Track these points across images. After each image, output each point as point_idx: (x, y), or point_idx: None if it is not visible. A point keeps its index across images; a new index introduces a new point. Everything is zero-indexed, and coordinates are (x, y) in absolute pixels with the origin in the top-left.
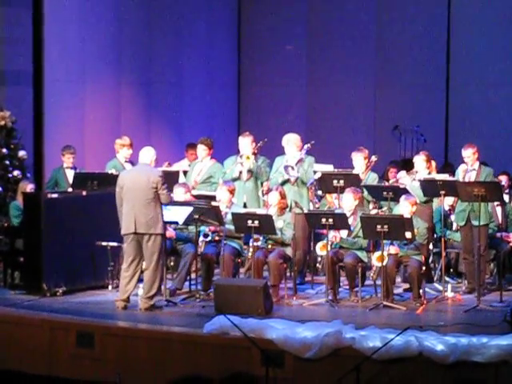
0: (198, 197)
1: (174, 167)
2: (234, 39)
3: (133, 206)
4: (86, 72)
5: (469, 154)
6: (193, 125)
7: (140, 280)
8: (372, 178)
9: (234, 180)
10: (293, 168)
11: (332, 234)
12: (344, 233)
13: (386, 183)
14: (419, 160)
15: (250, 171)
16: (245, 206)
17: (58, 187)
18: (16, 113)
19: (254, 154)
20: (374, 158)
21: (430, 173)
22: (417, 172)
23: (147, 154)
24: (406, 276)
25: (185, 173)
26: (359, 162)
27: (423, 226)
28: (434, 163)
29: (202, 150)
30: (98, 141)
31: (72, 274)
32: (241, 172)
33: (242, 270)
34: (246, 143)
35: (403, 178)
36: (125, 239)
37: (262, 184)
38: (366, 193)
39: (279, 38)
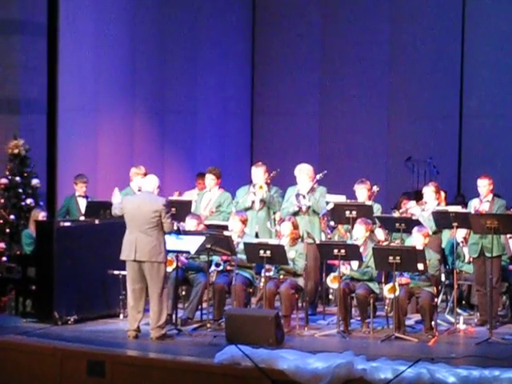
0: (209, 226)
1: (185, 196)
2: (247, 69)
3: (135, 233)
4: (99, 101)
5: (484, 183)
6: (206, 154)
7: (146, 310)
8: (375, 209)
9: (247, 209)
10: (304, 197)
11: (343, 265)
12: (354, 264)
13: (396, 212)
14: (428, 191)
15: (262, 201)
16: (256, 235)
17: (69, 215)
18: (29, 141)
19: (267, 183)
20: (375, 188)
21: (439, 204)
22: (426, 202)
23: (150, 182)
24: (418, 308)
25: None
26: (362, 193)
27: (435, 258)
28: (443, 194)
29: (210, 179)
30: (110, 169)
31: (83, 302)
32: (253, 202)
33: (253, 300)
34: (259, 173)
35: (413, 208)
36: (126, 267)
37: (274, 213)
38: None
39: (292, 68)
